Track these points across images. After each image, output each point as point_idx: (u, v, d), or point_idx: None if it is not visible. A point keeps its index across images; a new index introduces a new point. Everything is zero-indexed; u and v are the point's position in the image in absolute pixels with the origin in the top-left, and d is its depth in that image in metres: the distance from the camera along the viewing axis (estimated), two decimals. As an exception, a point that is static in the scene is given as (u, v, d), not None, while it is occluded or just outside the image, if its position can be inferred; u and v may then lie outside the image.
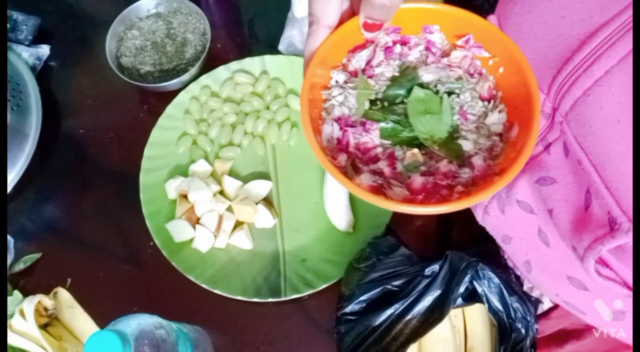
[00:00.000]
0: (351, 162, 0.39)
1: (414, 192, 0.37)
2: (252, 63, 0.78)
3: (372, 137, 0.40)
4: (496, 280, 0.55)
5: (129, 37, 0.79)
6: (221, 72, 0.77)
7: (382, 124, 0.40)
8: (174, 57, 0.78)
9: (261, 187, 0.71)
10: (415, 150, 0.39)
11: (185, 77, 0.75)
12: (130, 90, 0.79)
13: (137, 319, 0.51)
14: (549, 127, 0.44)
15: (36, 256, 0.69)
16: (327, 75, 0.42)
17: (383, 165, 0.39)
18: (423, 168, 0.39)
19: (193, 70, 0.75)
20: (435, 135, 0.39)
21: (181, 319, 0.62)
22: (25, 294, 0.66)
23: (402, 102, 0.41)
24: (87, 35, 0.83)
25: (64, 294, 0.66)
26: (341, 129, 0.40)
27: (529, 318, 0.55)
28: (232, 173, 0.73)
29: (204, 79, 0.77)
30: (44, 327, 0.64)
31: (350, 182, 0.36)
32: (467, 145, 0.39)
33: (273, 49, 0.79)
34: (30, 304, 0.62)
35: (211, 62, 0.78)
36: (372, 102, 0.41)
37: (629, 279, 0.41)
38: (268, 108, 0.76)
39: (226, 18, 0.85)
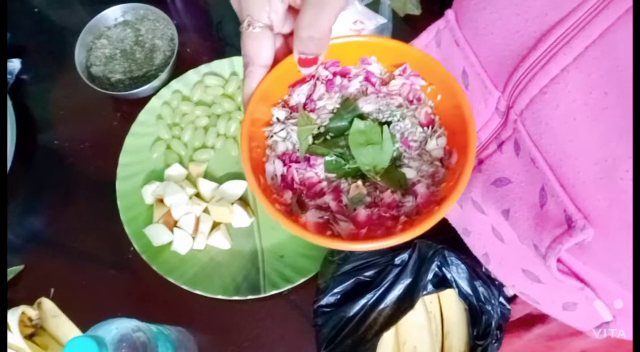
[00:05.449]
0: (297, 198, 0.39)
1: (359, 226, 0.37)
2: (222, 65, 0.79)
3: (316, 172, 0.40)
4: (463, 266, 0.57)
5: (98, 46, 0.79)
6: (191, 75, 0.78)
7: (326, 158, 0.40)
8: (143, 63, 0.79)
9: (236, 187, 0.72)
10: (359, 182, 0.39)
11: (155, 83, 0.76)
12: (103, 99, 0.79)
13: (115, 323, 0.53)
14: (503, 125, 0.44)
15: (19, 268, 0.71)
16: (269, 112, 0.42)
17: (329, 199, 0.39)
18: (368, 199, 0.39)
19: (163, 76, 0.76)
20: (378, 166, 0.39)
21: (165, 320, 0.64)
22: (10, 306, 0.66)
23: (346, 134, 0.40)
24: (58, 47, 0.83)
25: (47, 303, 0.67)
26: (285, 164, 0.40)
27: (493, 301, 0.56)
28: (207, 175, 0.74)
29: (175, 83, 0.77)
30: (29, 337, 0.65)
31: (296, 226, 0.35)
32: (410, 173, 0.40)
33: (242, 50, 0.80)
34: (14, 315, 0.63)
35: (181, 66, 0.79)
36: (316, 136, 0.41)
37: (582, 273, 0.42)
38: (239, 109, 0.77)
39: (194, 22, 0.86)
